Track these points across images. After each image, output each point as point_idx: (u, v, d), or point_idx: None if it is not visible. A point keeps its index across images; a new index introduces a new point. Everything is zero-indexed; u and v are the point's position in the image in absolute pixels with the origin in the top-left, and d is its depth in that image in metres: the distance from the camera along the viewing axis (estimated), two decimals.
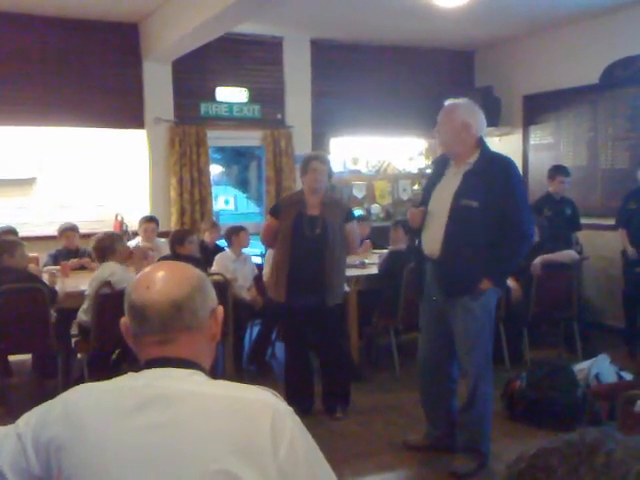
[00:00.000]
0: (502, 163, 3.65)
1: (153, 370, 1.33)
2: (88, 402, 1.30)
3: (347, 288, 4.96)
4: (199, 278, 1.42)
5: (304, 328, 4.51)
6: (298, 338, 4.55)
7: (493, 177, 3.53)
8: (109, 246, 4.67)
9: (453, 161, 3.70)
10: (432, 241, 3.64)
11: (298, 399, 4.42)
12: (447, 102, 3.74)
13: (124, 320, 1.40)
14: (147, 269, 1.44)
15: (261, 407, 1.26)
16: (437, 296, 3.68)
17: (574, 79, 7.02)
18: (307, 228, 4.33)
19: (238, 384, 1.35)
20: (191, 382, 1.31)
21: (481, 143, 3.64)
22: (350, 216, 4.55)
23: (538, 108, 7.59)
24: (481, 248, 3.50)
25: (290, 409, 1.30)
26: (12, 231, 5.57)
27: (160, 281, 1.37)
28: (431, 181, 3.90)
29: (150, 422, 1.25)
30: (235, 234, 5.71)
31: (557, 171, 6.26)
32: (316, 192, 4.39)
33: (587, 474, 0.65)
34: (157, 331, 1.35)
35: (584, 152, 7.13)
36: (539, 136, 7.65)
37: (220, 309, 1.45)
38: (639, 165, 6.00)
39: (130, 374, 1.35)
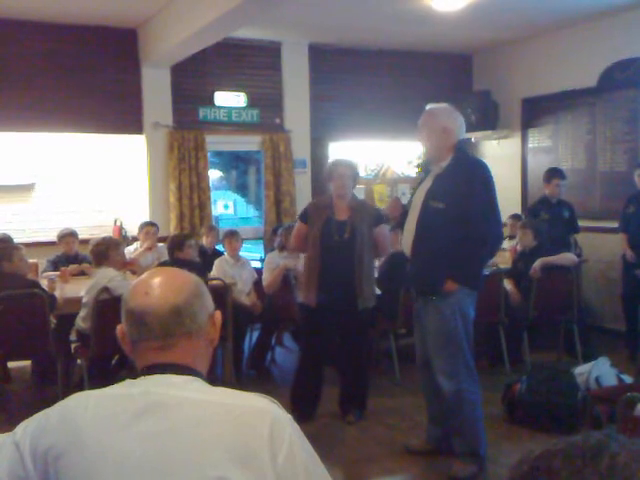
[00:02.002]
0: (470, 167, 3.67)
1: (151, 377, 1.32)
2: (86, 410, 1.29)
3: (378, 291, 4.85)
4: (196, 283, 1.41)
5: (329, 333, 4.48)
6: (320, 343, 4.49)
7: (459, 180, 3.56)
8: (103, 252, 4.66)
9: (433, 164, 3.76)
10: (407, 240, 3.74)
11: (303, 404, 4.41)
12: (428, 106, 3.78)
13: (121, 327, 1.39)
14: (143, 276, 1.44)
15: (259, 414, 1.25)
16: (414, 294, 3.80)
17: (572, 82, 7.03)
18: (336, 233, 4.34)
19: (236, 391, 1.34)
20: (189, 389, 1.30)
21: (458, 146, 3.67)
22: (379, 220, 4.53)
23: (536, 111, 7.60)
24: (444, 249, 3.54)
25: (289, 416, 1.29)
26: (6, 239, 5.52)
27: (158, 287, 1.36)
28: (418, 183, 3.97)
29: (149, 430, 1.24)
30: (227, 238, 5.83)
31: (553, 174, 6.25)
32: (343, 197, 4.40)
33: (591, 477, 0.64)
34: (158, 337, 1.34)
35: (582, 155, 7.13)
36: (537, 139, 7.65)
37: (218, 314, 1.44)
38: (637, 167, 5.99)
39: (128, 381, 1.34)
